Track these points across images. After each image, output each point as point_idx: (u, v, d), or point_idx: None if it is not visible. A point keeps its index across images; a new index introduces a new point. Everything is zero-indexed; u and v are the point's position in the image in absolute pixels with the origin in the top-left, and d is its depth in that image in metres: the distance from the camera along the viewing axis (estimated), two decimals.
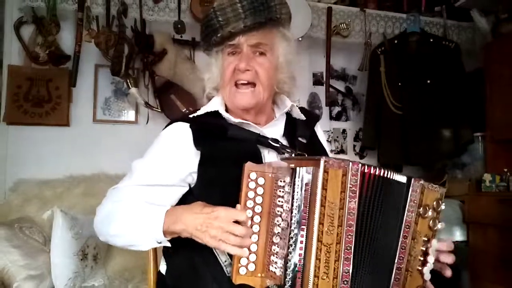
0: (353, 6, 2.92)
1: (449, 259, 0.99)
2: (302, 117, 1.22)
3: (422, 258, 0.94)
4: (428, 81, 2.78)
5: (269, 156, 1.11)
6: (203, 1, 2.44)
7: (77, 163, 2.34)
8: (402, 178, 0.94)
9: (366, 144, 2.89)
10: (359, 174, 0.87)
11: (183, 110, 2.36)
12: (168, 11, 2.49)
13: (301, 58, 2.88)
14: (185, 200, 1.08)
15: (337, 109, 3.03)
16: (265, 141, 1.08)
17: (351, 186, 0.86)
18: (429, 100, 2.77)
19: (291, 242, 0.88)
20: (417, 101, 2.77)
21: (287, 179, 0.91)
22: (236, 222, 0.89)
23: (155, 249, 1.26)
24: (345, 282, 0.85)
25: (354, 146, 3.03)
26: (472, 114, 2.78)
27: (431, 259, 0.94)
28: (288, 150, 1.08)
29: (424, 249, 0.95)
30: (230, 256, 0.95)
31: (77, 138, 2.41)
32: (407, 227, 0.93)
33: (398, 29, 2.95)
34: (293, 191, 0.89)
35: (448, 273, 0.99)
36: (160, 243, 0.98)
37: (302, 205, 0.88)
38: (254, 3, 1.06)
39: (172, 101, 2.42)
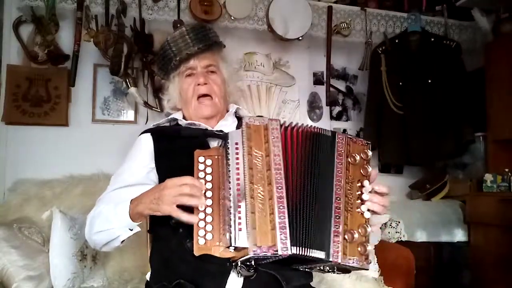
0: (354, 5, 2.92)
1: (383, 189, 1.09)
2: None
3: (359, 201, 1.06)
4: (429, 81, 2.78)
5: None
6: (202, 0, 2.43)
7: (76, 163, 2.32)
8: (328, 133, 1.11)
9: None
10: (279, 127, 1.05)
11: None
12: (168, 10, 2.48)
13: (301, 58, 2.88)
14: None
15: (337, 108, 3.01)
16: (211, 133, 1.29)
17: (273, 137, 1.03)
18: (430, 100, 2.76)
19: (229, 189, 0.98)
20: (418, 100, 2.76)
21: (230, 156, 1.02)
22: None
23: None
24: (281, 217, 0.96)
25: None
26: (473, 114, 2.78)
27: (365, 197, 1.05)
28: None
29: (359, 193, 1.06)
30: (191, 232, 1.01)
31: (76, 138, 2.40)
32: (339, 171, 1.06)
33: (399, 28, 2.94)
34: (227, 153, 1.01)
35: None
36: (132, 230, 1.15)
37: (235, 159, 1.00)
38: (198, 35, 1.38)
39: None
